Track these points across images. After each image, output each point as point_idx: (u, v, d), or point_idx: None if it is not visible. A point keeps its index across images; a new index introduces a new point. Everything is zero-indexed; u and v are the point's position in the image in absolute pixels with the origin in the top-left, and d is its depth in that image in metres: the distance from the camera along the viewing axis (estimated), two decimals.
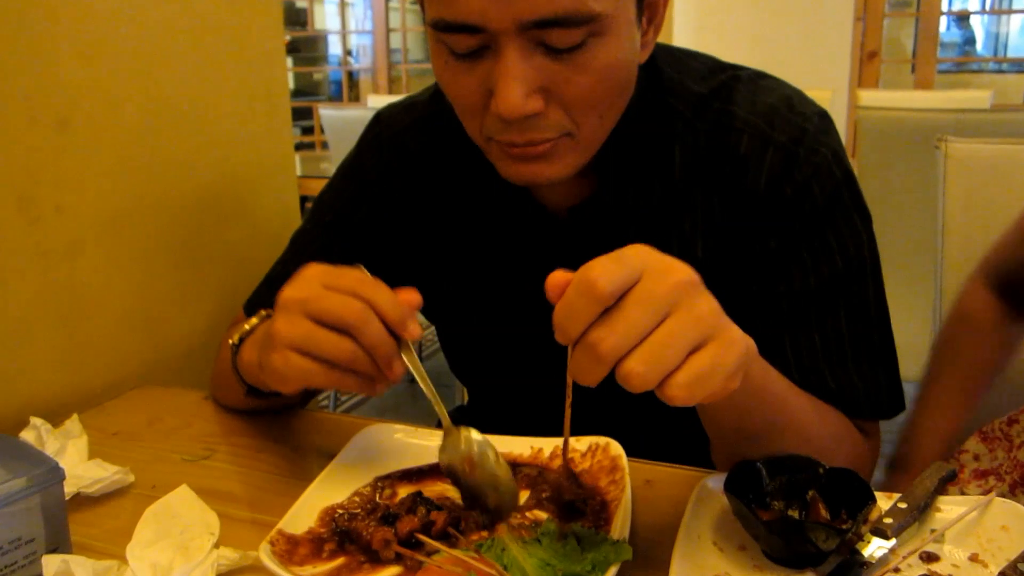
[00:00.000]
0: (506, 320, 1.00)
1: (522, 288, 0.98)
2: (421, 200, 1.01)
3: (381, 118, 1.06)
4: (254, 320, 0.91)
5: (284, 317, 0.73)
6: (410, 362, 0.75)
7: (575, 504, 0.73)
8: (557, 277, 0.60)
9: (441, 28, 0.75)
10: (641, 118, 0.89)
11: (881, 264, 0.92)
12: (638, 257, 0.59)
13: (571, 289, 0.58)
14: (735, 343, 0.60)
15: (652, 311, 0.57)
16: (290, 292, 0.74)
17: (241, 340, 0.91)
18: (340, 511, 0.76)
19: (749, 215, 0.88)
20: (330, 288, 0.73)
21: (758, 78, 0.93)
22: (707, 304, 0.60)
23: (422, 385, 0.77)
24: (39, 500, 0.69)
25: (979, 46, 8.05)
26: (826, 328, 0.87)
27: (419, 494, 0.77)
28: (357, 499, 0.80)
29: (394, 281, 1.05)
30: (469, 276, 1.02)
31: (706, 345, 0.59)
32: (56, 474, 0.70)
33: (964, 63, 7.02)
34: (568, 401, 0.66)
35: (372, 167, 1.04)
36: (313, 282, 0.74)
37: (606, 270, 0.57)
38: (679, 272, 0.60)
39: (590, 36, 0.74)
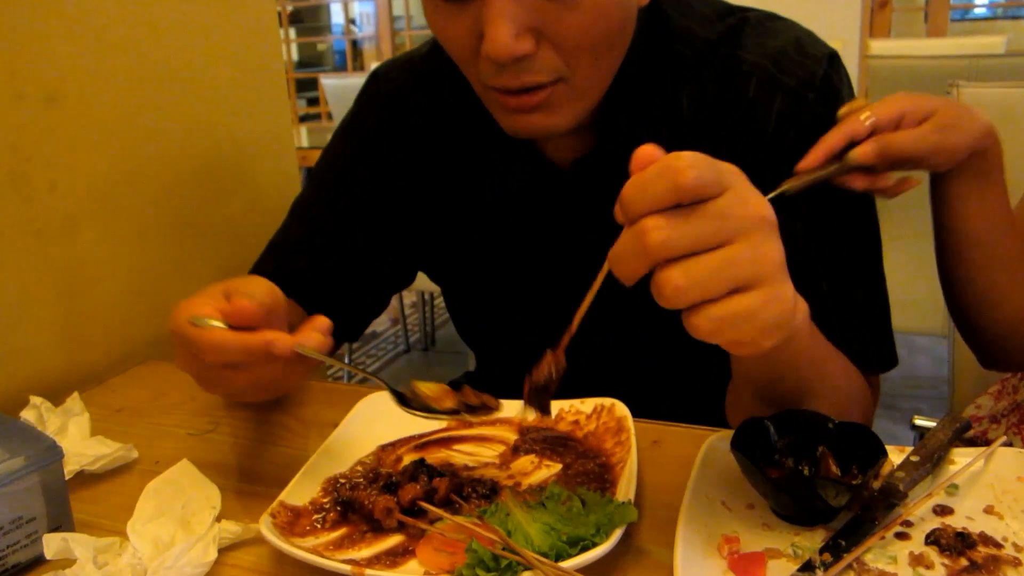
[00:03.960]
0: (509, 276, 0.99)
1: (525, 242, 0.96)
2: (422, 156, 0.99)
3: (379, 75, 1.04)
4: None
5: (176, 356, 0.74)
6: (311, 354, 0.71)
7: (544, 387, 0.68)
8: (647, 150, 0.55)
9: None
10: (645, 65, 0.86)
11: (888, 215, 0.89)
12: (730, 174, 0.56)
13: (654, 167, 0.53)
14: (783, 300, 0.57)
15: (719, 230, 0.53)
16: (180, 364, 0.73)
17: None
18: (342, 481, 0.76)
19: (758, 161, 0.84)
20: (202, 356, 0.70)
21: (767, 20, 0.90)
22: (773, 249, 0.56)
23: (331, 362, 0.76)
24: (38, 479, 0.68)
25: None
26: (831, 279, 0.85)
27: (422, 461, 0.76)
28: (360, 468, 0.79)
29: (397, 240, 1.04)
30: (472, 232, 1.00)
31: (753, 289, 0.55)
32: (55, 452, 0.69)
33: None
34: (595, 287, 0.60)
35: (372, 124, 1.02)
36: (187, 355, 0.71)
37: (698, 164, 0.53)
38: (760, 206, 0.56)
39: None
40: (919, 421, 1.26)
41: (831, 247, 0.86)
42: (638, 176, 0.54)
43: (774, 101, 0.84)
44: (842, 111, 0.82)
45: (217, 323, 0.69)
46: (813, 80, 0.84)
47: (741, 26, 0.88)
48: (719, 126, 0.87)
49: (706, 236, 0.53)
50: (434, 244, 1.04)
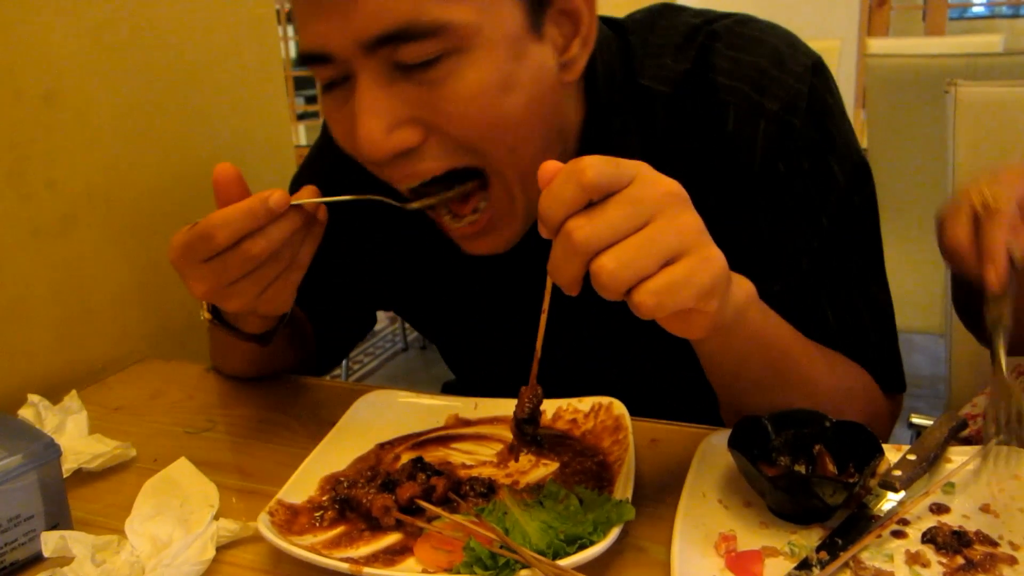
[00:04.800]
0: (485, 321, 0.97)
1: (502, 290, 0.94)
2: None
3: None
4: None
5: (191, 280, 0.74)
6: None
7: (528, 421, 0.70)
8: (548, 165, 0.59)
9: (302, 62, 0.71)
10: (619, 111, 0.82)
11: (887, 215, 0.88)
12: (633, 165, 0.59)
13: (559, 177, 0.58)
14: (713, 260, 0.59)
15: (634, 214, 0.57)
16: (195, 288, 0.74)
17: (213, 314, 0.87)
18: (340, 479, 0.76)
19: (745, 195, 0.81)
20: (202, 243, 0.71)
21: (738, 26, 0.82)
22: (690, 218, 0.59)
23: (329, 199, 0.76)
24: (36, 477, 0.68)
25: None
26: (836, 309, 0.84)
27: (419, 460, 0.76)
28: (358, 466, 0.79)
29: (367, 290, 1.02)
30: (444, 280, 0.97)
31: (682, 257, 0.58)
32: (53, 450, 0.69)
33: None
34: (545, 307, 0.66)
35: (328, 168, 0.97)
36: (197, 265, 0.73)
37: (597, 163, 0.57)
38: (669, 184, 0.59)
39: (447, 54, 0.67)
40: (916, 419, 1.26)
41: (839, 276, 0.84)
42: (547, 189, 0.58)
43: (757, 130, 0.79)
44: (970, 202, 0.71)
45: None
46: (798, 101, 0.78)
47: (710, 43, 0.81)
48: (701, 164, 0.81)
49: (624, 221, 0.57)
50: (405, 294, 1.01)
